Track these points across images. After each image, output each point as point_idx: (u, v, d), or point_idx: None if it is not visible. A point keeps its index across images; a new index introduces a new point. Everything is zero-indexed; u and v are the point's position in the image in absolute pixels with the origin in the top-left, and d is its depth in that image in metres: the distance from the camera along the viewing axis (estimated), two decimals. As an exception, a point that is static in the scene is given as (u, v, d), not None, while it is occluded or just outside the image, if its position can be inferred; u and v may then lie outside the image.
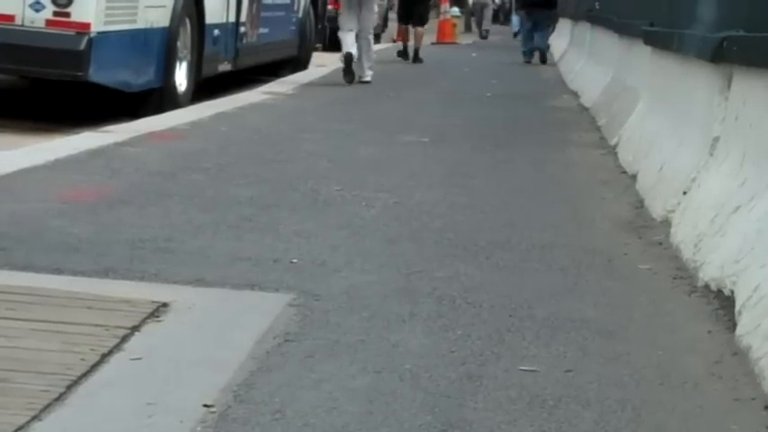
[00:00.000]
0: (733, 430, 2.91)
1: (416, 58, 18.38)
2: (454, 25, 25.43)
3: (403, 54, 18.92)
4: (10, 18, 8.59)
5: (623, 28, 9.62)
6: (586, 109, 10.99)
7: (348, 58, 12.96)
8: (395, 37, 20.47)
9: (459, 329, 3.61)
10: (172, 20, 10.08)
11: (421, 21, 18.65)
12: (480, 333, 3.58)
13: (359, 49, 13.17)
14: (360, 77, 13.15)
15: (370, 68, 13.43)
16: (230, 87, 12.03)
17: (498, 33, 35.33)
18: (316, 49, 16.95)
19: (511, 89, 13.90)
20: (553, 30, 23.91)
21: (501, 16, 44.70)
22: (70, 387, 2.87)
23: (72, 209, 5.08)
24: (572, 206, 5.96)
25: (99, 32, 8.78)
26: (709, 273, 4.16)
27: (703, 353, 3.52)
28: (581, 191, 6.50)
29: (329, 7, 18.28)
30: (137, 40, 9.49)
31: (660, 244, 5.02)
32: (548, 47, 20.21)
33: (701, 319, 3.90)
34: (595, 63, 12.40)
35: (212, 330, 3.46)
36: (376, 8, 14.34)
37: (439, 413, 2.87)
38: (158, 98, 10.05)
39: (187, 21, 10.50)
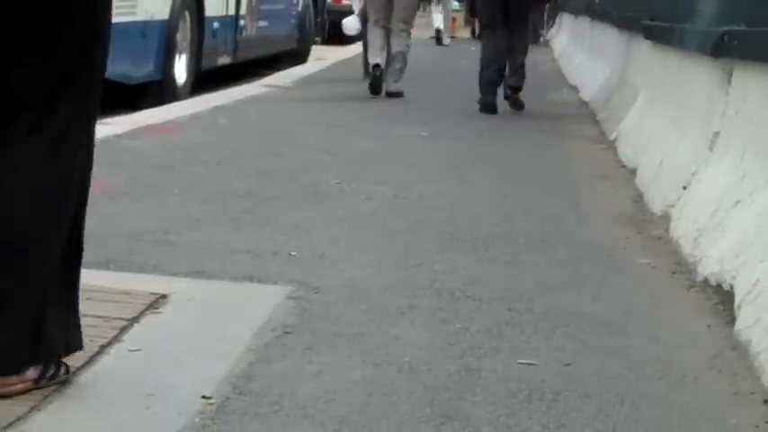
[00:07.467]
0: (732, 424, 2.90)
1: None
2: (454, 19, 25.35)
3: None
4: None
5: (623, 22, 9.62)
6: (586, 103, 10.98)
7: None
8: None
9: (459, 322, 3.60)
10: (171, 12, 10.08)
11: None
12: (479, 326, 3.57)
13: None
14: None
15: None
16: (230, 80, 12.03)
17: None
18: (315, 43, 16.96)
19: (510, 83, 13.83)
20: (553, 24, 23.90)
21: None
22: (69, 378, 2.87)
23: (71, 200, 5.07)
24: (571, 200, 5.95)
25: (98, 24, 8.76)
26: (708, 267, 4.16)
27: (702, 347, 3.52)
28: (580, 185, 6.49)
29: (328, 0, 18.31)
30: (136, 32, 9.48)
31: (659, 238, 5.01)
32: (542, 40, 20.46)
33: (700, 313, 3.89)
34: (595, 57, 12.38)
35: (211, 322, 3.46)
36: None
37: (437, 406, 2.87)
38: (157, 91, 10.05)
39: (187, 13, 10.50)
